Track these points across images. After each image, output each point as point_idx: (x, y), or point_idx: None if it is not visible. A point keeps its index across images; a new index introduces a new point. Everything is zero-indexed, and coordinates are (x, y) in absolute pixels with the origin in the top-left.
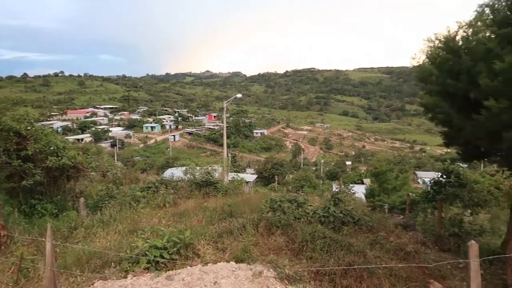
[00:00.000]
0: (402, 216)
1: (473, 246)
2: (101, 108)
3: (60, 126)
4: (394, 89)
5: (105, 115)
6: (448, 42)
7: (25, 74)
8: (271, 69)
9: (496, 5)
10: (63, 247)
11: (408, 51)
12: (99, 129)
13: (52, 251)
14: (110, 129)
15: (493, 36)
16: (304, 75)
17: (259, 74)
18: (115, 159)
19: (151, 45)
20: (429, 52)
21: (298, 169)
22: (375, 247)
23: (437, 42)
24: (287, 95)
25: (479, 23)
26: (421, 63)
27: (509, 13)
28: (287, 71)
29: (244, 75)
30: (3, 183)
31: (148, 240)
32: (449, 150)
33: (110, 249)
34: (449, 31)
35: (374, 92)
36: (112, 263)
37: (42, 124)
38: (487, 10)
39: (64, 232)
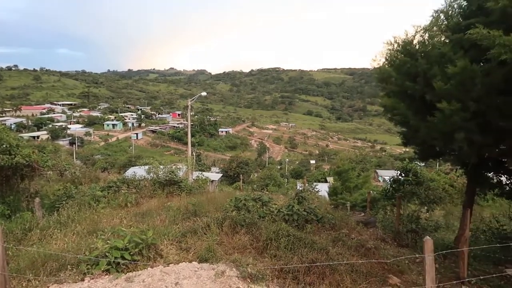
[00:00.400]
0: (363, 214)
1: (428, 242)
2: (58, 105)
3: (14, 123)
4: (356, 90)
5: (63, 112)
6: (406, 46)
7: None
8: (236, 68)
9: (450, 12)
10: (16, 250)
11: (369, 53)
12: (57, 126)
13: (4, 254)
14: (69, 126)
15: (447, 41)
16: (269, 74)
17: (224, 72)
18: (74, 157)
19: (113, 40)
20: (388, 55)
21: (263, 168)
22: (337, 244)
23: (395, 45)
24: (252, 94)
25: (434, 28)
26: (381, 65)
27: (461, 20)
28: (252, 70)
29: (209, 73)
30: None
31: (108, 241)
32: (407, 150)
33: (68, 251)
34: (407, 34)
35: (337, 92)
36: (69, 266)
37: None
38: (442, 16)
39: (18, 234)
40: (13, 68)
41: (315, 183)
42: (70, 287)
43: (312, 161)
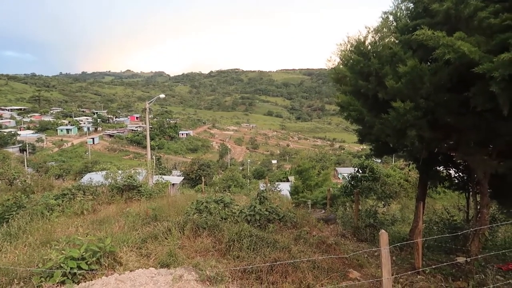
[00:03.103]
0: (324, 211)
1: (383, 235)
2: (6, 110)
3: None
4: (314, 90)
5: (12, 117)
6: (359, 46)
7: None
8: (195, 69)
9: (398, 14)
10: None
11: (326, 53)
12: (5, 133)
13: None
14: (19, 132)
15: (397, 42)
16: (228, 76)
17: (183, 74)
18: (25, 165)
19: (65, 42)
20: (342, 55)
21: (225, 169)
22: (299, 242)
23: (349, 45)
24: (212, 95)
25: (384, 29)
26: (335, 65)
27: (409, 21)
28: (211, 71)
29: (168, 75)
30: None
31: (63, 251)
32: (364, 147)
33: (19, 264)
34: (359, 35)
35: (296, 92)
36: (20, 280)
37: None
38: (390, 17)
39: None
40: None
41: (277, 183)
42: None
43: (274, 161)
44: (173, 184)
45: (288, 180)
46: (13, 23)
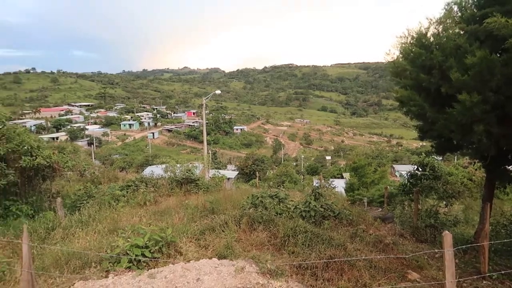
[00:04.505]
0: (380, 209)
1: (447, 236)
2: (76, 106)
3: (34, 125)
4: (370, 84)
5: (81, 113)
6: (420, 38)
7: None
8: (249, 65)
9: (464, 3)
10: (41, 248)
11: (383, 46)
12: (75, 127)
13: (29, 253)
14: (87, 127)
15: (461, 33)
16: (282, 71)
17: (237, 70)
18: (93, 157)
19: (127, 41)
20: (403, 48)
21: (279, 165)
22: (355, 240)
23: (409, 38)
24: (266, 91)
25: (448, 20)
26: (395, 58)
27: (475, 11)
28: (265, 67)
29: (223, 71)
30: None
31: (129, 239)
32: (424, 144)
33: (90, 249)
34: (421, 27)
35: (352, 87)
36: (93, 263)
37: (14, 123)
38: (455, 8)
39: (41, 234)
40: (31, 71)
41: (331, 179)
42: (95, 284)
43: (328, 157)
44: (228, 179)
45: (342, 177)
46: (82, 24)
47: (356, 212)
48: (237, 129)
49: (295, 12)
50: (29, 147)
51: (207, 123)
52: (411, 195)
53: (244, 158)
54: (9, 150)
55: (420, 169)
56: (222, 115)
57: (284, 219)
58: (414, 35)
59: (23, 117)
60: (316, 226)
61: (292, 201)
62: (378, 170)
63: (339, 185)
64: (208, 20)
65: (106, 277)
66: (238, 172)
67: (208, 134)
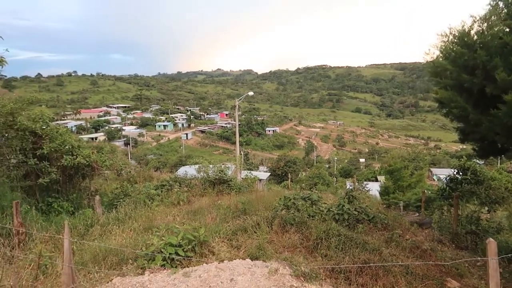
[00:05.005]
0: (417, 214)
1: (491, 244)
2: (114, 107)
3: (74, 125)
4: (407, 85)
5: (118, 114)
6: (463, 37)
7: (39, 74)
8: (282, 66)
9: None
10: (80, 244)
11: (420, 46)
12: (112, 128)
13: (70, 248)
14: (123, 127)
15: (507, 30)
16: (315, 72)
17: (270, 71)
18: (129, 157)
19: (162, 44)
20: (443, 47)
21: (311, 167)
22: (390, 245)
23: (451, 36)
24: (299, 92)
25: (493, 17)
26: (434, 58)
27: None
28: (298, 68)
29: (256, 73)
30: (19, 181)
31: (163, 238)
32: (464, 147)
33: (126, 246)
34: (463, 25)
35: (387, 88)
36: (130, 260)
37: (57, 124)
38: (501, 4)
39: (81, 230)
40: (73, 74)
41: (365, 182)
42: (132, 280)
43: (362, 160)
44: (260, 180)
45: (377, 180)
46: (119, 28)
47: (391, 216)
48: (269, 131)
49: (328, 12)
50: (70, 147)
51: (239, 124)
52: (450, 200)
53: (276, 160)
54: (52, 149)
55: (461, 173)
56: (255, 116)
57: (316, 222)
58: (456, 34)
59: (65, 118)
60: (349, 230)
61: (325, 203)
62: (414, 174)
63: (374, 188)
64: (241, 21)
65: (142, 274)
66: (269, 173)
67: (240, 135)
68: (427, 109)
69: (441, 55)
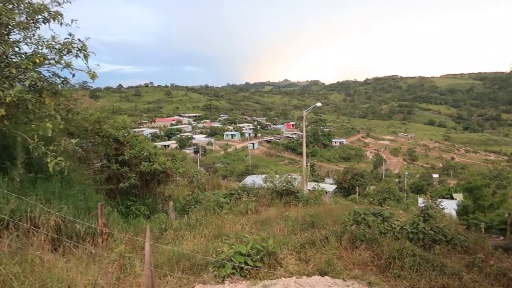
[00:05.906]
0: (502, 238)
1: None
2: (185, 116)
3: (149, 133)
4: (488, 97)
5: (189, 123)
6: None
7: (120, 85)
8: (350, 77)
9: None
10: (155, 247)
11: (504, 54)
12: (184, 136)
13: (151, 250)
14: (194, 136)
15: None
16: (385, 83)
17: (337, 82)
18: (198, 165)
19: (231, 56)
20: None
21: (380, 181)
22: (472, 270)
23: None
24: (367, 103)
25: None
26: None
27: None
28: (367, 79)
29: (323, 84)
30: (103, 184)
31: (233, 246)
32: None
33: (197, 252)
34: None
35: (464, 100)
36: (209, 268)
37: (134, 131)
38: None
39: (156, 233)
40: (149, 85)
41: (439, 200)
42: None
43: (435, 175)
44: (326, 192)
45: (452, 198)
46: (192, 42)
47: (472, 238)
48: (335, 142)
49: (398, 19)
50: (148, 154)
51: (305, 135)
52: None
53: (343, 172)
54: (132, 155)
55: None
56: (321, 127)
57: (388, 240)
58: None
59: (141, 126)
60: (425, 250)
61: (398, 220)
62: (498, 193)
63: (448, 205)
64: (308, 32)
65: (223, 283)
66: (336, 186)
67: (306, 146)
68: (510, 123)
69: None
